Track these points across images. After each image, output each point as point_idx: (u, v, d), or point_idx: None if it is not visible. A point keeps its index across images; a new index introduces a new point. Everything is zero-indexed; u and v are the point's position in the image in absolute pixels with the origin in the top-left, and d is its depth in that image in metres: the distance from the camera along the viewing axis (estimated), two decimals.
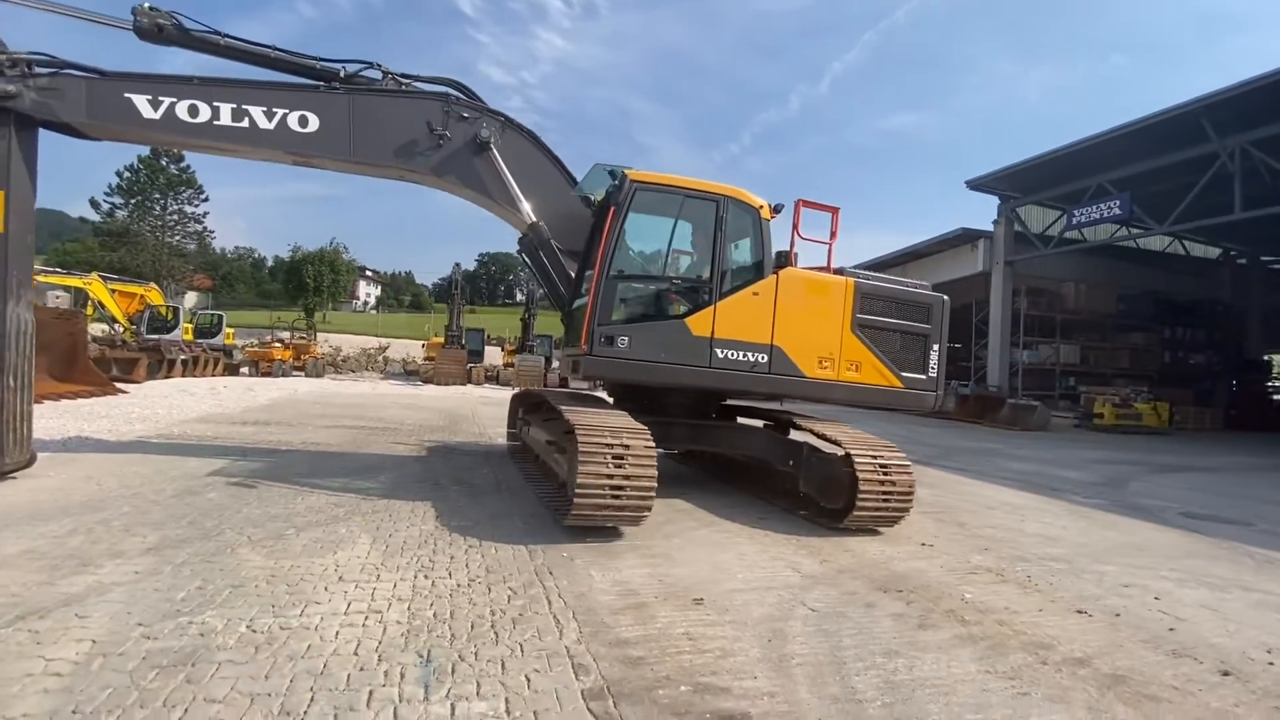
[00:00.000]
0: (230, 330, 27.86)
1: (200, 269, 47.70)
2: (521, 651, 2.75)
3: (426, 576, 3.58)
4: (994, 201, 21.79)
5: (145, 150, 43.03)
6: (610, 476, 4.26)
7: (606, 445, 4.34)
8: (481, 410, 14.31)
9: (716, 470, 7.54)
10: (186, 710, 2.15)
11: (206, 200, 47.04)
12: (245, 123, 5.01)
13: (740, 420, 6.90)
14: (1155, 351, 23.78)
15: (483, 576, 3.63)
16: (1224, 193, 15.49)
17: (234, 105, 4.97)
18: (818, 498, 5.53)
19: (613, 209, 5.12)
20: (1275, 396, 25.32)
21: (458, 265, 24.98)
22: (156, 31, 4.91)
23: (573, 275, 6.22)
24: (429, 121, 5.48)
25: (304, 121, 5.14)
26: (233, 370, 23.30)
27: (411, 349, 36.57)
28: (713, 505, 5.89)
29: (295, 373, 24.84)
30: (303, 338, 28.48)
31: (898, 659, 2.95)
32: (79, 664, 2.40)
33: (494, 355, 31.92)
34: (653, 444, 4.51)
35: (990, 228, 22.05)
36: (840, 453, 5.45)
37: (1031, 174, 20.15)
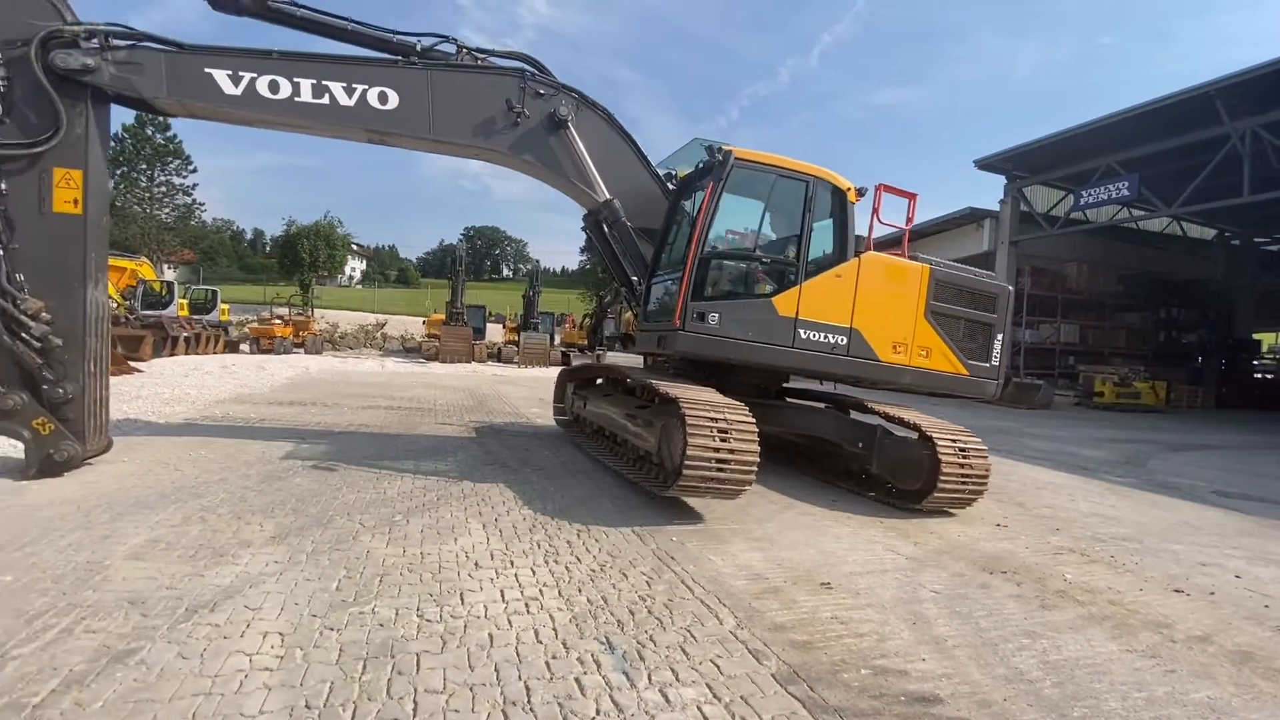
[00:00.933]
0: (225, 306, 27.32)
1: (186, 242, 46.26)
2: (693, 637, 2.82)
3: (556, 562, 3.62)
4: (988, 179, 21.97)
5: (130, 118, 41.35)
6: (716, 450, 4.32)
7: (712, 419, 4.39)
8: (504, 390, 14.27)
9: (766, 451, 7.64)
10: (416, 703, 2.18)
11: (195, 171, 45.52)
12: (326, 99, 4.85)
13: (791, 401, 6.98)
14: (1150, 331, 24.36)
15: (610, 562, 3.69)
16: (1228, 175, 15.76)
17: (314, 81, 4.80)
18: (891, 479, 5.66)
19: (711, 184, 5.08)
20: (1258, 375, 26.12)
21: (462, 241, 24.69)
22: (232, 2, 4.71)
23: (642, 252, 6.18)
24: (508, 99, 5.36)
25: (384, 98, 4.99)
26: (233, 347, 22.90)
27: (410, 326, 36.18)
28: (781, 487, 5.98)
29: (296, 350, 24.47)
30: (300, 314, 27.99)
31: (1040, 640, 3.08)
32: (281, 658, 2.42)
33: (493, 332, 31.66)
34: (753, 420, 4.57)
35: (995, 207, 22.24)
36: (914, 435, 5.58)
37: (1039, 154, 20.30)
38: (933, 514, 5.40)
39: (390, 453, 6.38)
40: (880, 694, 2.47)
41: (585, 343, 28.94)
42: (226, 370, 14.63)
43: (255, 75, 4.68)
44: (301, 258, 40.26)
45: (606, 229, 6.06)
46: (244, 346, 23.75)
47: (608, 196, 5.84)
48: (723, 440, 4.36)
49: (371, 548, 3.65)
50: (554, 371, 22.48)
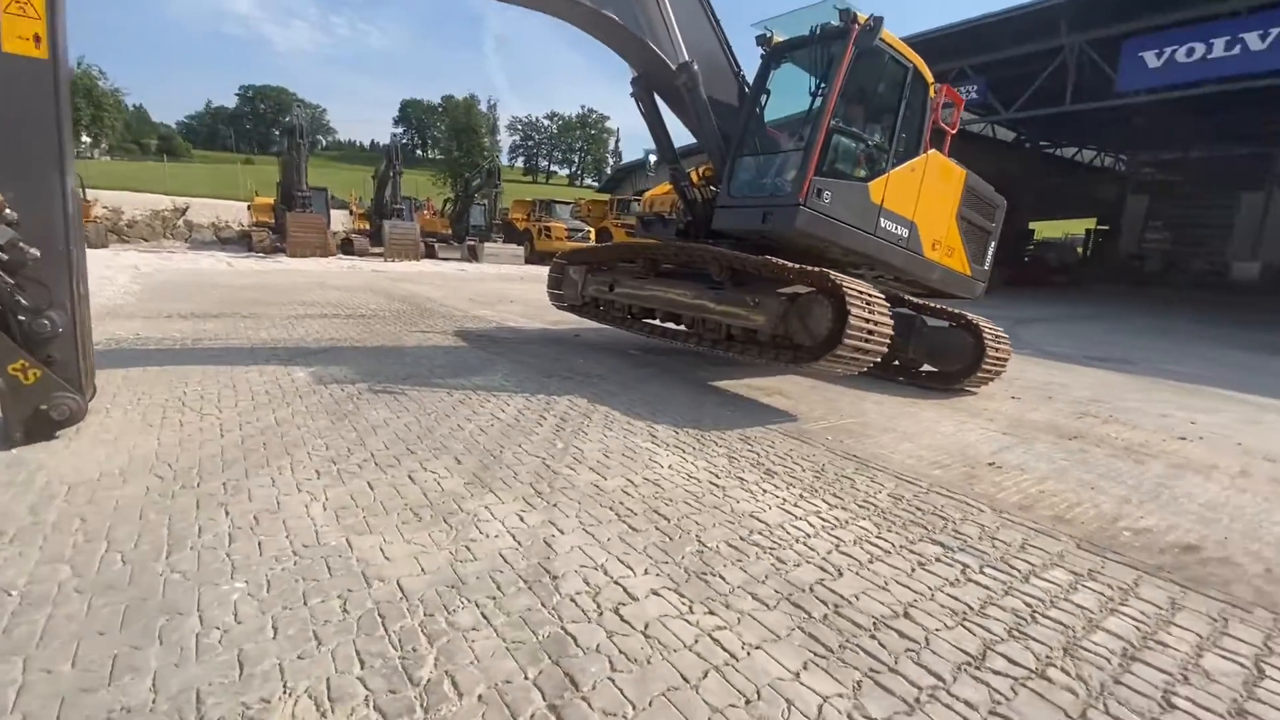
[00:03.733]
0: None
1: None
2: (989, 528, 3.07)
3: (775, 474, 3.60)
4: None
5: None
6: (867, 322, 4.45)
7: (861, 292, 4.49)
8: (416, 290, 12.75)
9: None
10: (897, 630, 2.17)
11: None
12: None
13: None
14: None
15: (817, 468, 3.75)
16: (1053, 83, 18.40)
17: None
18: (928, 362, 6.32)
19: (850, 51, 4.72)
20: (1025, 259, 32.46)
21: (300, 105, 20.08)
22: None
23: (714, 124, 5.68)
24: None
25: None
26: None
27: (220, 211, 29.86)
28: (813, 379, 6.37)
29: None
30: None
31: (1174, 487, 3.85)
32: (711, 612, 2.20)
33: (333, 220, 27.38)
34: (884, 297, 4.75)
35: None
36: (947, 325, 6.23)
37: None
38: (959, 393, 6.19)
39: (423, 372, 5.54)
40: (1163, 549, 2.97)
41: (449, 232, 26.52)
42: None
43: None
44: None
45: (684, 95, 5.44)
46: None
47: (686, 59, 5.21)
48: (870, 314, 4.49)
49: (596, 481, 3.30)
50: (437, 266, 20.55)
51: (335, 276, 14.53)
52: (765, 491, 3.32)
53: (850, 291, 4.41)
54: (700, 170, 6.23)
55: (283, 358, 5.71)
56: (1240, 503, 3.66)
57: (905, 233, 5.77)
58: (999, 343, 6.01)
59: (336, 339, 6.84)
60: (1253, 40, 14.93)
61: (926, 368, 6.54)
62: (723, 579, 2.43)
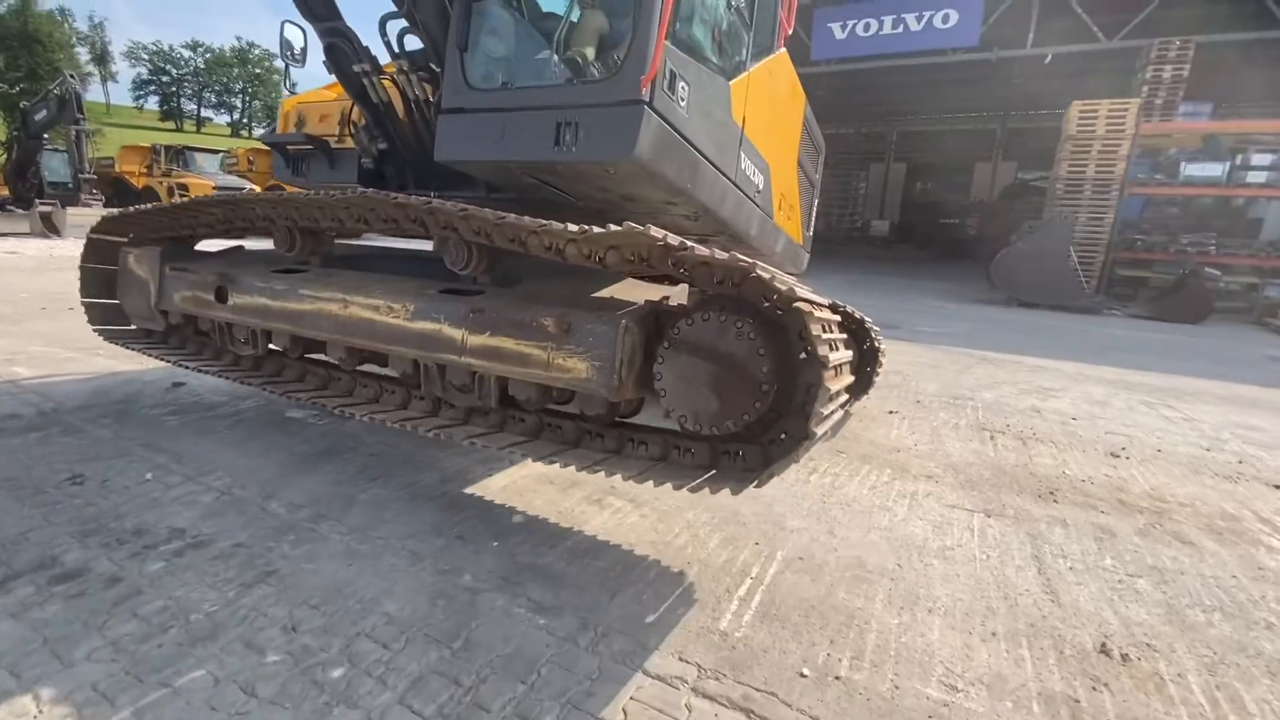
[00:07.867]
0: None
1: None
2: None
3: None
4: None
5: None
6: (836, 365, 2.00)
7: (816, 305, 2.02)
8: None
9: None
10: None
11: None
12: None
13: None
14: None
15: None
16: None
17: None
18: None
19: None
20: None
21: None
22: None
23: None
24: None
25: None
26: None
27: None
28: None
29: None
30: None
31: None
32: None
33: None
34: None
35: None
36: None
37: None
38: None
39: None
40: None
41: (7, 193, 17.23)
42: None
43: None
44: None
45: None
46: None
47: None
48: (837, 348, 2.06)
49: None
50: None
51: None
52: None
53: (804, 305, 1.87)
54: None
55: None
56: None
57: (761, 181, 3.46)
58: (879, 340, 4.24)
59: None
60: (911, 21, 16.63)
61: None
62: None
